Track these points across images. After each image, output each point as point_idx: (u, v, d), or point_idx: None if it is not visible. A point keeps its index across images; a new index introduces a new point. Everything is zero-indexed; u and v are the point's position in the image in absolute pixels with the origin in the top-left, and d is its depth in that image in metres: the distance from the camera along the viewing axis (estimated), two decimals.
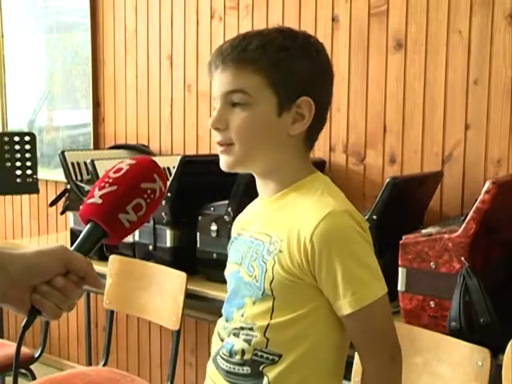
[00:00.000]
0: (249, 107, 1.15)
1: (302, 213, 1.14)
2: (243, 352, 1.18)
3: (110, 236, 0.98)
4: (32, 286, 0.92)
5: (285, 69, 1.14)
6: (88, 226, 0.98)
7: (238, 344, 1.19)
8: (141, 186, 0.99)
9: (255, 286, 1.16)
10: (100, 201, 0.97)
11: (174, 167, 2.42)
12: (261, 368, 1.17)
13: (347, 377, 1.72)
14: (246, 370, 1.18)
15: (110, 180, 0.99)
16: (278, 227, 1.17)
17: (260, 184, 1.24)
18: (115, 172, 1.00)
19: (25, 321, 0.94)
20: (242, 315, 1.19)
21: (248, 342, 1.17)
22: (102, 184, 0.99)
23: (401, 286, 1.77)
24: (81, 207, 0.99)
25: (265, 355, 1.16)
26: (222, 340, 1.24)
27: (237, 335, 1.20)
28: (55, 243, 0.98)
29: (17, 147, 2.60)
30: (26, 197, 3.65)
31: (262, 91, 1.14)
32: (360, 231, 1.13)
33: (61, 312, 0.94)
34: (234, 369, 1.20)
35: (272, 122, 1.16)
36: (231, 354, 1.20)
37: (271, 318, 1.15)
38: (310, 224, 1.11)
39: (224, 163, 1.19)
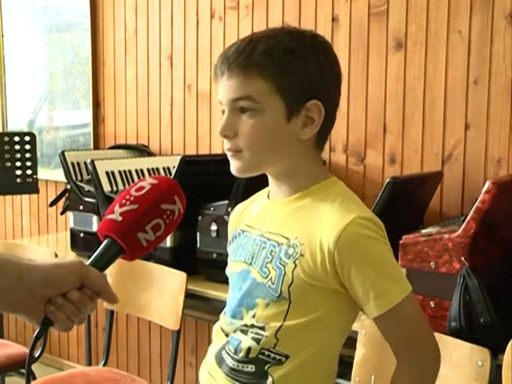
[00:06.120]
0: (257, 114, 1.13)
1: (324, 218, 1.13)
2: (249, 350, 1.17)
3: (126, 253, 0.99)
4: (47, 297, 0.94)
5: (292, 73, 1.12)
6: (105, 241, 0.99)
7: (246, 341, 1.17)
8: (161, 206, 1.00)
9: (271, 289, 1.15)
10: (120, 218, 0.98)
11: (173, 167, 2.42)
12: (266, 367, 1.16)
13: (347, 377, 1.73)
14: (251, 367, 1.17)
15: (132, 198, 1.00)
16: (294, 230, 1.15)
17: (273, 185, 1.23)
18: (137, 190, 1.01)
19: (37, 331, 0.95)
20: (254, 316, 1.17)
21: (257, 340, 1.16)
22: (123, 201, 1.00)
23: None
24: (100, 222, 1.01)
25: (272, 355, 1.15)
26: (227, 335, 1.22)
27: (245, 332, 1.18)
28: (70, 258, 0.99)
29: (17, 147, 2.60)
30: (26, 197, 3.65)
31: (270, 97, 1.12)
32: (382, 236, 1.14)
33: (72, 324, 0.96)
34: (238, 366, 1.18)
35: (281, 127, 1.14)
36: (236, 350, 1.19)
37: (285, 320, 1.14)
38: (335, 229, 1.10)
39: (234, 168, 1.18)
